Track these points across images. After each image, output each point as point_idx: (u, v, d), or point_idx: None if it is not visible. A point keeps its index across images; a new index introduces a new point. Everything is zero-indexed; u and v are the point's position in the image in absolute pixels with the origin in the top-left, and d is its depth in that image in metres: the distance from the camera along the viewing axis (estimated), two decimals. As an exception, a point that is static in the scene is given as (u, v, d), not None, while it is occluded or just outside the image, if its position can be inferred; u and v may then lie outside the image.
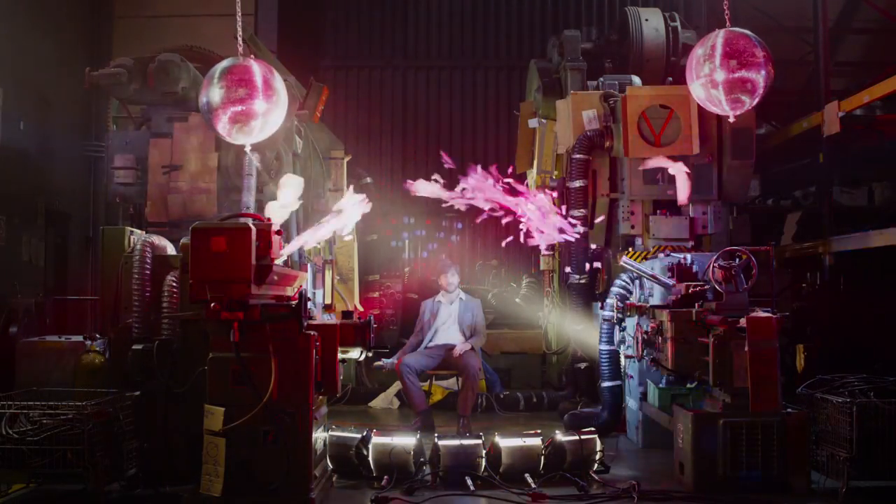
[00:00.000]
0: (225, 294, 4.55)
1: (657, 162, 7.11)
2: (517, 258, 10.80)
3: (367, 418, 7.95)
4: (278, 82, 5.63)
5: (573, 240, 6.63)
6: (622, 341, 7.25)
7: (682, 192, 7.19)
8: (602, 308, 7.46)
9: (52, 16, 8.86)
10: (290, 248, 5.16)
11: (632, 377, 7.15)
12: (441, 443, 5.67)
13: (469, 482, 5.46)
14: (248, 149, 5.78)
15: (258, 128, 5.57)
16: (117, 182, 7.05)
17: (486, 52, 12.91)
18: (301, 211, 7.54)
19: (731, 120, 6.09)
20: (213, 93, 5.47)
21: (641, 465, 6.21)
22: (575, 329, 8.05)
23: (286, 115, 7.09)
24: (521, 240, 6.01)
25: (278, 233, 4.83)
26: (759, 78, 5.69)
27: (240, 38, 5.79)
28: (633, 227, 7.62)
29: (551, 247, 9.08)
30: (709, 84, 5.76)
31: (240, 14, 5.85)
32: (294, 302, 4.88)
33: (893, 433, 5.05)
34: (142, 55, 7.04)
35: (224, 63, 5.57)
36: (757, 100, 5.79)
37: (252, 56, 5.79)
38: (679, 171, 7.02)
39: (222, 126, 5.54)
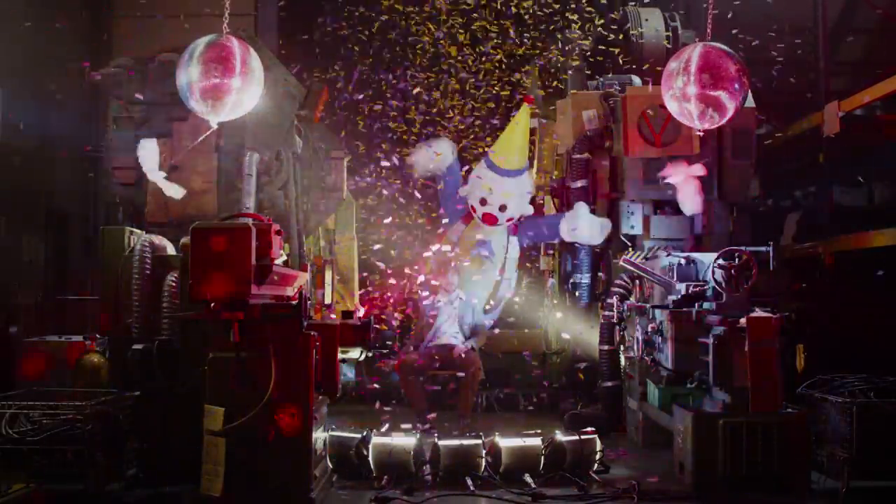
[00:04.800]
0: (225, 294, 4.55)
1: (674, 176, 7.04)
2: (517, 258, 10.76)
3: (368, 418, 7.94)
4: (255, 61, 5.62)
5: None
6: (622, 341, 7.25)
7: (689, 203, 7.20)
8: (602, 308, 7.47)
9: (52, 16, 8.85)
10: None
11: (632, 377, 7.15)
12: (441, 443, 5.67)
13: (469, 482, 5.46)
14: (213, 125, 5.75)
15: (230, 105, 5.55)
16: (117, 182, 7.05)
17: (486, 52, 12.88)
18: (301, 211, 7.54)
19: (700, 134, 6.07)
20: (191, 69, 5.47)
21: (641, 465, 6.20)
22: (575, 329, 8.05)
23: (286, 114, 7.11)
24: None
25: (278, 233, 4.83)
26: (732, 93, 5.68)
27: (226, 14, 5.76)
28: (633, 227, 7.62)
29: (551, 247, 9.10)
30: (681, 97, 5.76)
31: None
32: (294, 302, 4.88)
33: (893, 433, 5.05)
34: (142, 55, 7.04)
35: (201, 40, 5.56)
36: (731, 115, 5.79)
37: (231, 33, 5.75)
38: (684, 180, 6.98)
39: (196, 102, 5.53)
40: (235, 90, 5.50)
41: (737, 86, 5.67)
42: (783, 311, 5.48)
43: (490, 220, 8.24)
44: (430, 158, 8.46)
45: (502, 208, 8.19)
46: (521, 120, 8.36)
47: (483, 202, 8.24)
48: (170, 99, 6.88)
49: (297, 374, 4.70)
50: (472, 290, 8.12)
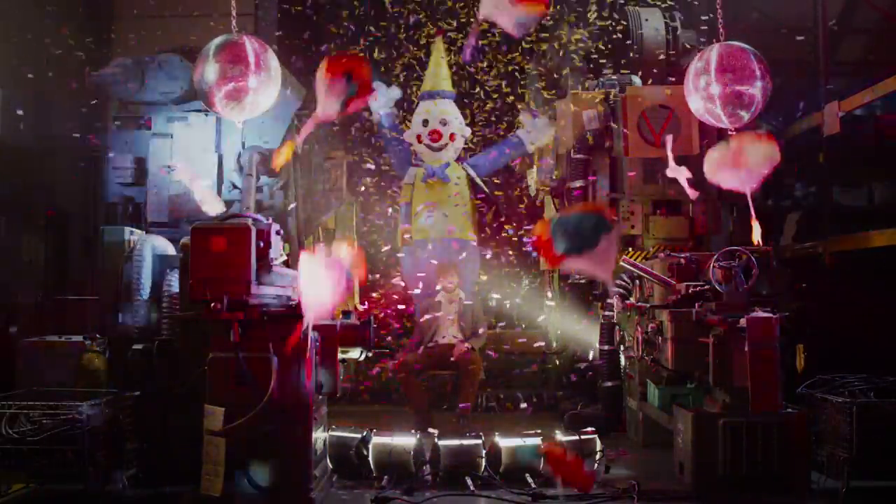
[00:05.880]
0: (225, 294, 4.55)
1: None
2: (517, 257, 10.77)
3: (368, 418, 7.94)
4: (272, 59, 5.63)
5: None
6: (622, 341, 7.25)
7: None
8: (602, 308, 7.47)
9: (52, 16, 8.84)
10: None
11: (632, 377, 7.15)
12: (441, 443, 5.67)
13: (469, 482, 5.46)
14: (239, 125, 5.76)
15: (250, 104, 5.56)
16: (117, 182, 7.06)
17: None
18: (300, 211, 7.55)
19: (732, 133, 6.06)
20: (209, 69, 5.48)
21: (641, 465, 6.20)
22: (575, 329, 8.05)
23: (286, 114, 7.11)
24: None
25: (278, 233, 4.83)
26: (756, 91, 5.67)
27: (234, 13, 5.78)
28: (633, 227, 7.62)
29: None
30: (706, 98, 5.75)
31: None
32: (294, 302, 4.88)
33: (893, 433, 5.05)
34: (142, 55, 7.04)
35: (218, 40, 5.57)
36: (756, 113, 5.78)
37: (245, 32, 5.76)
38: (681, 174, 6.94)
39: (217, 102, 5.54)
40: (253, 89, 5.51)
41: (760, 84, 5.67)
42: (783, 311, 5.47)
43: (436, 136, 8.94)
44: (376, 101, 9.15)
45: (443, 122, 8.99)
46: (438, 48, 9.34)
47: (425, 123, 9.02)
48: (169, 99, 6.91)
49: (297, 374, 4.70)
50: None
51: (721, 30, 5.97)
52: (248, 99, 5.53)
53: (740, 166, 5.09)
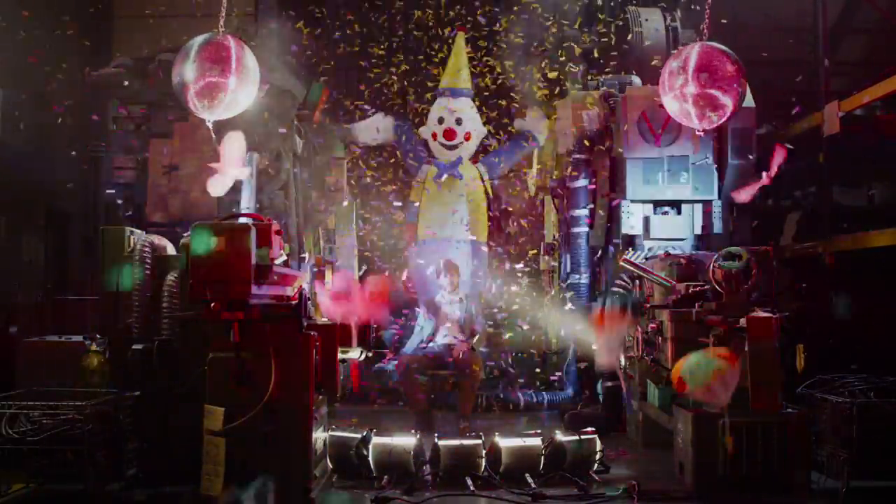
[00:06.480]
0: (225, 294, 4.54)
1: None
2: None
3: (368, 418, 7.94)
4: (251, 60, 5.61)
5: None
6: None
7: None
8: (602, 308, 7.46)
9: (52, 15, 8.85)
10: None
11: (632, 377, 7.14)
12: (441, 443, 5.67)
13: (469, 482, 5.46)
14: (209, 124, 5.72)
15: (225, 103, 5.54)
16: (117, 182, 7.06)
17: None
18: (301, 211, 7.54)
19: (700, 134, 6.06)
20: (187, 67, 5.46)
21: (641, 465, 6.21)
22: (575, 329, 8.05)
23: (286, 114, 7.10)
24: None
25: (278, 233, 4.83)
26: (730, 93, 5.66)
27: (223, 12, 5.76)
28: (633, 227, 7.61)
29: (551, 247, 9.10)
30: (680, 97, 5.75)
31: None
32: (294, 302, 4.88)
33: (893, 433, 5.05)
34: (142, 55, 7.04)
35: (200, 38, 5.56)
36: (727, 115, 5.77)
37: (228, 31, 5.74)
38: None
39: (191, 100, 5.53)
40: (230, 89, 5.50)
41: (735, 85, 5.65)
42: (783, 311, 5.47)
43: (450, 134, 9.12)
44: (372, 136, 9.33)
45: (458, 121, 9.18)
46: (459, 45, 9.45)
47: (441, 121, 9.21)
48: (170, 99, 6.90)
49: (297, 374, 4.70)
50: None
51: (705, 30, 5.95)
52: (225, 98, 5.51)
53: (710, 384, 5.08)
